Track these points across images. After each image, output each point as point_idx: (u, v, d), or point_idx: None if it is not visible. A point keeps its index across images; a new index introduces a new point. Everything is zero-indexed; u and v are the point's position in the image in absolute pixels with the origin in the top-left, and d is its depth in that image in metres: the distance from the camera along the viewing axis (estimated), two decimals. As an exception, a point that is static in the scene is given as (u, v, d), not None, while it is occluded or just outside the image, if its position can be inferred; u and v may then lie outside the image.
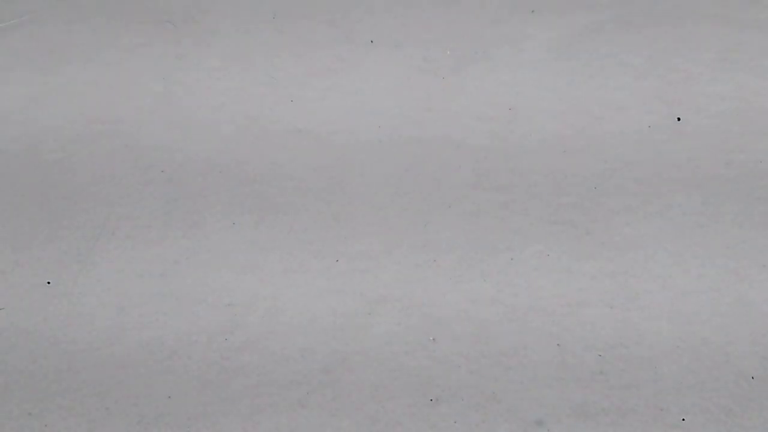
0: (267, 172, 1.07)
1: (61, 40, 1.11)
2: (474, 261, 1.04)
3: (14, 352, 1.03)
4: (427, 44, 1.10)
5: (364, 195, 1.06)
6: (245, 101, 1.09)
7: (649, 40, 1.09)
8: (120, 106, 1.09)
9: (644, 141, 1.06)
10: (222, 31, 1.11)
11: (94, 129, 1.08)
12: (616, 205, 1.05)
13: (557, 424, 1.00)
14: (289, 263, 1.04)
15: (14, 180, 1.07)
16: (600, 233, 1.04)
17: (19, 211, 1.06)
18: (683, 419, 0.99)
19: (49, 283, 1.04)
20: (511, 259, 1.04)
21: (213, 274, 1.04)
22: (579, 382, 1.00)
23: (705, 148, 1.05)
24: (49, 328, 1.03)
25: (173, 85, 1.10)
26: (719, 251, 1.03)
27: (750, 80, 1.07)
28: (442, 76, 1.09)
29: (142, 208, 1.06)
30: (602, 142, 1.06)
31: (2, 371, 1.02)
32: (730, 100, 1.07)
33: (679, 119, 1.07)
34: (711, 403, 0.99)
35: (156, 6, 1.12)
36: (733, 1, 1.10)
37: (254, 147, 1.07)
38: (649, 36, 1.09)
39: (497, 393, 1.00)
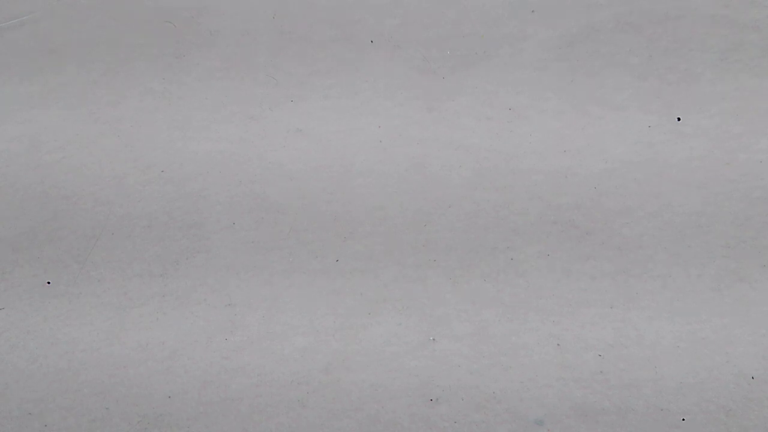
0: (267, 172, 1.07)
1: (61, 40, 1.11)
2: (474, 261, 1.04)
3: (14, 352, 1.03)
4: (427, 44, 1.10)
5: (364, 195, 1.06)
6: (245, 101, 1.09)
7: (649, 40, 1.09)
8: (120, 106, 1.09)
9: (644, 141, 1.06)
10: (222, 31, 1.11)
11: (94, 129, 1.08)
12: (616, 205, 1.05)
13: (557, 424, 1.00)
14: (289, 263, 1.04)
15: (14, 180, 1.07)
16: (600, 233, 1.04)
17: (19, 211, 1.06)
18: (683, 419, 0.99)
19: (49, 283, 1.04)
20: (511, 259, 1.04)
21: (213, 274, 1.04)
22: (579, 382, 1.00)
23: (705, 148, 1.05)
24: (49, 328, 1.03)
25: (173, 85, 1.10)
26: (719, 251, 1.03)
27: (750, 80, 1.07)
28: (442, 76, 1.09)
29: (142, 208, 1.06)
30: (602, 142, 1.06)
31: (2, 371, 1.02)
32: (730, 100, 1.07)
33: (679, 119, 1.07)
34: (711, 403, 0.99)
35: (156, 6, 1.12)
36: (733, 1, 1.09)
37: (254, 147, 1.07)
38: (649, 36, 1.09)
39: (497, 393, 1.00)
